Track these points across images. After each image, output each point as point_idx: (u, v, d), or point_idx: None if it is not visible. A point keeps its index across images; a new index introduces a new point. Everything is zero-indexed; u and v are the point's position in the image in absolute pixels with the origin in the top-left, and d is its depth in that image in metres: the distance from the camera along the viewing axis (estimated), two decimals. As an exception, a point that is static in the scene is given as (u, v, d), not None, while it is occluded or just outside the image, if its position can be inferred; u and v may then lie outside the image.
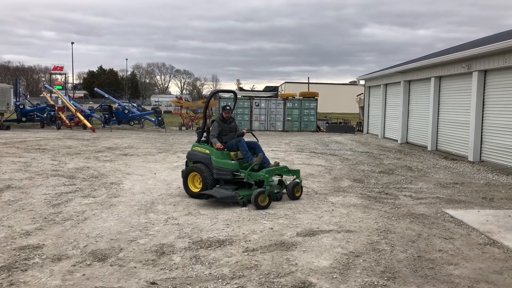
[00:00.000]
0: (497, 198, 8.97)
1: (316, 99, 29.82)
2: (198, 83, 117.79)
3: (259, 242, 5.93)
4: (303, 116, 29.36)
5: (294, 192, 8.50)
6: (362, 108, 31.23)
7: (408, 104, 21.14)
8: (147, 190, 9.18)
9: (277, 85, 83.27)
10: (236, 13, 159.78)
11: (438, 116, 17.84)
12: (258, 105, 29.27)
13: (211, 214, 7.37)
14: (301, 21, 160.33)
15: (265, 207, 7.74)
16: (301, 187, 8.71)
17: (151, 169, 11.94)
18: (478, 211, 7.75)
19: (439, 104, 17.79)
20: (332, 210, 7.73)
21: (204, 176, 8.37)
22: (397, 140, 21.77)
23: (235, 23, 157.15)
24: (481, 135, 14.44)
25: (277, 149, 17.39)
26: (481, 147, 14.47)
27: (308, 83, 48.34)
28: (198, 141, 9.05)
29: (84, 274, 4.81)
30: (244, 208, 7.74)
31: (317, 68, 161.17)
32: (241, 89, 79.57)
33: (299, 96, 30.71)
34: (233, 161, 8.42)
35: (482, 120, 14.39)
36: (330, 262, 5.21)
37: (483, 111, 14.38)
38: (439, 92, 17.77)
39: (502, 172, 12.27)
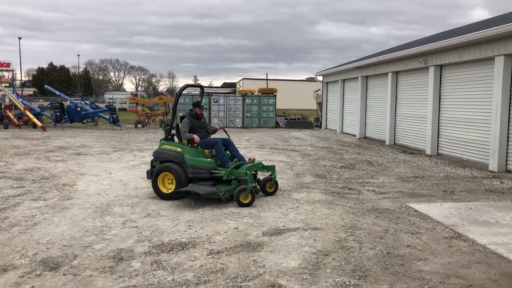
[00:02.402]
0: (457, 190, 9.09)
1: (275, 95, 29.78)
2: (154, 80, 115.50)
3: (224, 243, 5.65)
4: (262, 112, 29.24)
5: (266, 188, 8.38)
6: (320, 103, 31.46)
7: (366, 99, 21.39)
8: (102, 191, 8.69)
9: (235, 81, 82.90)
10: (192, 9, 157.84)
11: (395, 111, 18.12)
12: (216, 102, 28.89)
13: (172, 215, 7.02)
14: (258, 17, 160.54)
15: (248, 205, 7.51)
16: (276, 183, 8.54)
17: (106, 168, 11.39)
18: (441, 205, 7.79)
19: (396, 98, 18.06)
20: (297, 207, 7.55)
21: (178, 176, 7.90)
22: (355, 135, 22.01)
23: (191, 19, 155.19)
24: (438, 129, 14.74)
25: (237, 146, 17.08)
26: (438, 141, 14.76)
27: (267, 79, 48.36)
28: (166, 138, 8.51)
29: (33, 286, 4.38)
30: (207, 207, 7.44)
31: (274, 65, 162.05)
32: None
33: (258, 92, 30.57)
34: (209, 159, 8.04)
35: (439, 114, 14.69)
36: (299, 262, 5.00)
37: (439, 105, 14.68)
38: (396, 87, 18.04)
39: (459, 165, 12.54)
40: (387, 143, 18.37)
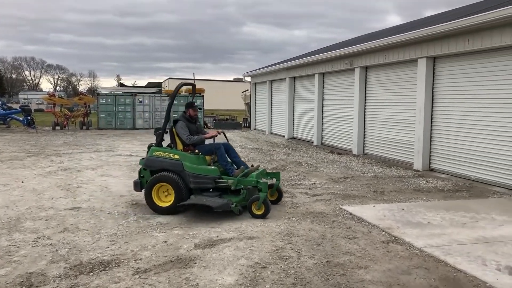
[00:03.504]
0: (387, 191, 9.18)
1: (203, 96, 29.17)
2: (73, 79, 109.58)
3: (152, 260, 5.11)
4: (190, 113, 28.49)
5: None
6: (248, 104, 31.35)
7: (294, 100, 21.50)
8: (11, 203, 7.74)
9: (161, 81, 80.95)
10: (114, 7, 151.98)
11: (322, 111, 18.32)
12: (141, 102, 27.74)
13: (93, 228, 6.32)
14: (183, 17, 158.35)
15: (262, 216, 6.87)
16: (279, 190, 7.89)
17: (17, 176, 10.27)
18: (374, 206, 7.76)
19: (323, 99, 18.27)
20: (231, 214, 7.15)
21: (178, 187, 6.99)
22: (284, 136, 22.06)
23: (114, 18, 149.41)
24: (364, 129, 15.04)
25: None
26: (364, 141, 15.07)
27: (194, 79, 47.50)
28: (158, 144, 7.58)
29: None
30: (131, 217, 6.82)
31: (201, 65, 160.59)
32: (122, 85, 75.78)
33: (185, 92, 29.80)
34: (212, 167, 7.24)
35: (365, 114, 14.99)
36: (236, 278, 4.60)
37: (365, 106, 14.98)
38: (323, 88, 18.25)
39: (385, 164, 12.82)
40: (315, 143, 18.54)
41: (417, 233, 6.16)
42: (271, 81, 24.53)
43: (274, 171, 8.11)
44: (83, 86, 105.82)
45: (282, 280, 4.57)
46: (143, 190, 7.32)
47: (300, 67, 19.96)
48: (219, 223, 6.61)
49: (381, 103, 14.14)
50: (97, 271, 4.77)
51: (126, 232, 6.16)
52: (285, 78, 21.90)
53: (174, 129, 7.65)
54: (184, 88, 31.68)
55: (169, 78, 77.22)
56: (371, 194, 8.91)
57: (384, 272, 4.81)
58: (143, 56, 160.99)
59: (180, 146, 7.61)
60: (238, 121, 32.30)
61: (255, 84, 28.05)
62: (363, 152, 15.05)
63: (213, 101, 59.06)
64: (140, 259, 5.13)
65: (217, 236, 5.97)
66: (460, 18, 10.03)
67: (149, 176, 7.38)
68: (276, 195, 7.89)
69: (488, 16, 8.81)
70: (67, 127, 26.78)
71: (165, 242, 5.73)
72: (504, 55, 9.41)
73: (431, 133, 11.70)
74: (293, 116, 21.49)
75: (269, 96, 24.82)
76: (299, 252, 5.40)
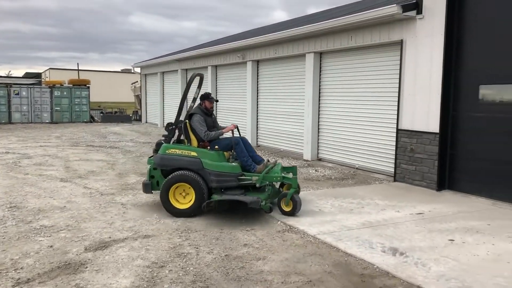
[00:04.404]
0: (281, 181, 9.44)
1: (88, 87, 27.52)
2: None
3: (35, 268, 4.64)
4: (74, 105, 26.73)
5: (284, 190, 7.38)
6: (137, 96, 30.27)
7: (187, 92, 21.15)
8: None
9: (40, 71, 75.03)
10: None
11: (216, 104, 18.32)
12: (18, 94, 25.32)
13: (-38, 237, 5.58)
14: (63, 3, 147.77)
15: (291, 213, 6.58)
16: (298, 185, 7.35)
17: None
18: (269, 197, 7.92)
19: (216, 92, 18.27)
20: (124, 212, 6.81)
21: (199, 186, 6.47)
22: (177, 129, 21.66)
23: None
24: (257, 122, 15.34)
25: (47, 144, 15.15)
26: (257, 133, 15.38)
27: (78, 70, 44.63)
28: (169, 141, 6.98)
29: None
30: (9, 222, 6.14)
31: (85, 55, 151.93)
32: (-6, 75, 68.47)
33: (69, 83, 27.86)
34: (234, 164, 6.74)
35: (257, 107, 15.29)
36: (132, 280, 4.37)
37: (257, 99, 15.28)
38: (216, 80, 18.25)
39: (277, 155, 13.20)
40: (209, 136, 18.46)
41: (310, 221, 6.41)
42: (163, 73, 23.93)
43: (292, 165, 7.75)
44: None
45: (181, 278, 4.44)
46: (153, 191, 7.02)
47: (193, 59, 19.72)
48: (110, 223, 6.25)
49: (273, 96, 14.52)
50: (-32, 285, 4.21)
51: (3, 238, 5.53)
52: (177, 70, 21.49)
53: (188, 124, 7.09)
54: (66, 79, 29.58)
55: (50, 68, 71.58)
56: (266, 185, 9.08)
57: (282, 262, 4.92)
58: (19, 45, 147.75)
59: (195, 142, 7.06)
60: (128, 114, 31.04)
61: (145, 75, 27.15)
62: (257, 144, 15.36)
63: (100, 93, 56.14)
64: (21, 268, 4.63)
65: (110, 237, 5.63)
66: (342, 16, 10.62)
67: (160, 176, 6.89)
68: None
69: (369, 14, 9.43)
70: None
71: (51, 247, 5.26)
72: (387, 51, 10.16)
73: (318, 125, 12.29)
74: (187, 108, 21.17)
75: (161, 88, 24.18)
76: (197, 248, 5.30)
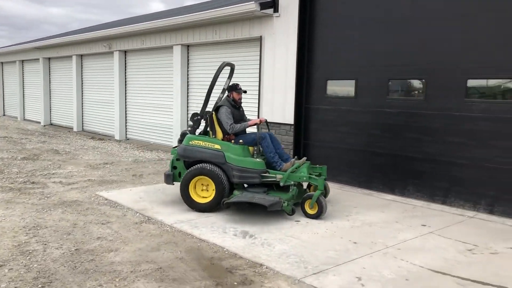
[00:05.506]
0: (146, 174, 9.39)
1: None
2: None
3: None
4: None
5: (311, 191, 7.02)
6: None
7: (50, 83, 19.80)
8: None
9: None
10: None
11: (82, 96, 17.44)
12: None
13: None
14: None
15: (315, 216, 6.18)
16: (326, 187, 7.05)
17: None
18: (131, 190, 7.84)
19: (82, 83, 17.38)
20: (-37, 212, 6.21)
21: (220, 181, 6.23)
22: (40, 122, 20.17)
23: None
24: (126, 114, 14.95)
25: None
26: (126, 126, 14.99)
27: None
28: (194, 131, 6.81)
29: None
30: None
31: None
32: None
33: None
34: (258, 160, 6.42)
35: (126, 99, 14.89)
36: (-36, 283, 4.05)
37: (126, 90, 14.87)
38: (82, 71, 17.34)
39: (147, 148, 13.05)
40: (75, 129, 17.55)
41: (170, 211, 6.50)
42: (22, 61, 22.00)
43: (320, 165, 7.19)
44: None
45: (22, 276, 4.23)
46: (175, 184, 6.82)
47: (56, 47, 18.46)
48: None
49: (141, 88, 14.26)
50: None
51: None
52: (38, 59, 19.93)
53: (214, 115, 6.82)
54: None
55: None
56: (130, 178, 8.97)
57: (134, 252, 4.94)
58: None
59: (220, 134, 6.79)
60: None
61: (2, 63, 24.70)
62: (126, 137, 14.98)
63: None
64: None
65: None
66: (208, 10, 10.84)
67: (183, 167, 6.70)
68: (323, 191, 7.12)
69: (229, 10, 9.77)
70: None
71: None
72: (249, 46, 10.60)
73: (187, 117, 12.40)
74: (50, 100, 19.82)
75: (20, 78, 22.22)
76: (45, 244, 5.07)
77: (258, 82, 9.91)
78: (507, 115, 6.43)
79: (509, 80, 6.50)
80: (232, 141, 6.66)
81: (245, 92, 7.08)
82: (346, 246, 5.21)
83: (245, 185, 6.67)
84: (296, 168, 6.46)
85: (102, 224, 5.90)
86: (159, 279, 4.25)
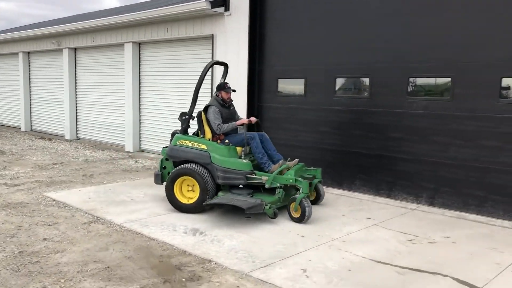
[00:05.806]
0: (97, 173, 9.23)
1: None
2: None
3: None
4: None
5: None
6: None
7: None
8: None
9: None
10: None
11: (30, 94, 16.85)
12: None
13: None
14: None
15: (299, 220, 5.96)
16: (317, 189, 6.86)
17: None
18: (80, 190, 7.70)
19: (30, 81, 16.80)
20: None
21: (204, 181, 6.13)
22: (-16, 122, 19.33)
23: None
24: (76, 113, 14.59)
25: None
26: (77, 125, 14.63)
27: None
28: (183, 131, 6.73)
29: None
30: None
31: None
32: None
33: None
34: (244, 161, 6.25)
35: (76, 97, 14.53)
36: None
37: (76, 89, 14.50)
38: (29, 68, 16.76)
39: (98, 148, 12.79)
40: (23, 129, 16.94)
41: (120, 211, 6.45)
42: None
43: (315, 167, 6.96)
44: None
45: (-39, 281, 4.11)
46: (163, 183, 6.70)
47: (0, 43, 17.73)
48: None
49: (92, 86, 13.95)
50: None
51: None
52: (-19, 56, 19.07)
53: (203, 115, 6.73)
54: None
55: None
56: (80, 178, 8.79)
57: (82, 252, 4.89)
58: None
59: (208, 134, 6.69)
60: None
61: None
62: (77, 136, 14.62)
63: None
64: None
65: None
66: (160, 7, 10.75)
67: (172, 167, 6.62)
68: (314, 194, 6.88)
69: (180, 8, 9.74)
70: None
71: None
72: (201, 44, 10.59)
73: (140, 116, 12.26)
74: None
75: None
76: (-13, 248, 4.93)
77: (210, 81, 9.94)
78: (445, 112, 6.79)
79: (447, 79, 6.87)
80: (218, 141, 6.55)
81: (234, 91, 6.97)
82: (294, 240, 5.36)
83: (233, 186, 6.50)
84: (285, 169, 6.27)
85: (49, 225, 5.78)
86: (106, 278, 4.23)
